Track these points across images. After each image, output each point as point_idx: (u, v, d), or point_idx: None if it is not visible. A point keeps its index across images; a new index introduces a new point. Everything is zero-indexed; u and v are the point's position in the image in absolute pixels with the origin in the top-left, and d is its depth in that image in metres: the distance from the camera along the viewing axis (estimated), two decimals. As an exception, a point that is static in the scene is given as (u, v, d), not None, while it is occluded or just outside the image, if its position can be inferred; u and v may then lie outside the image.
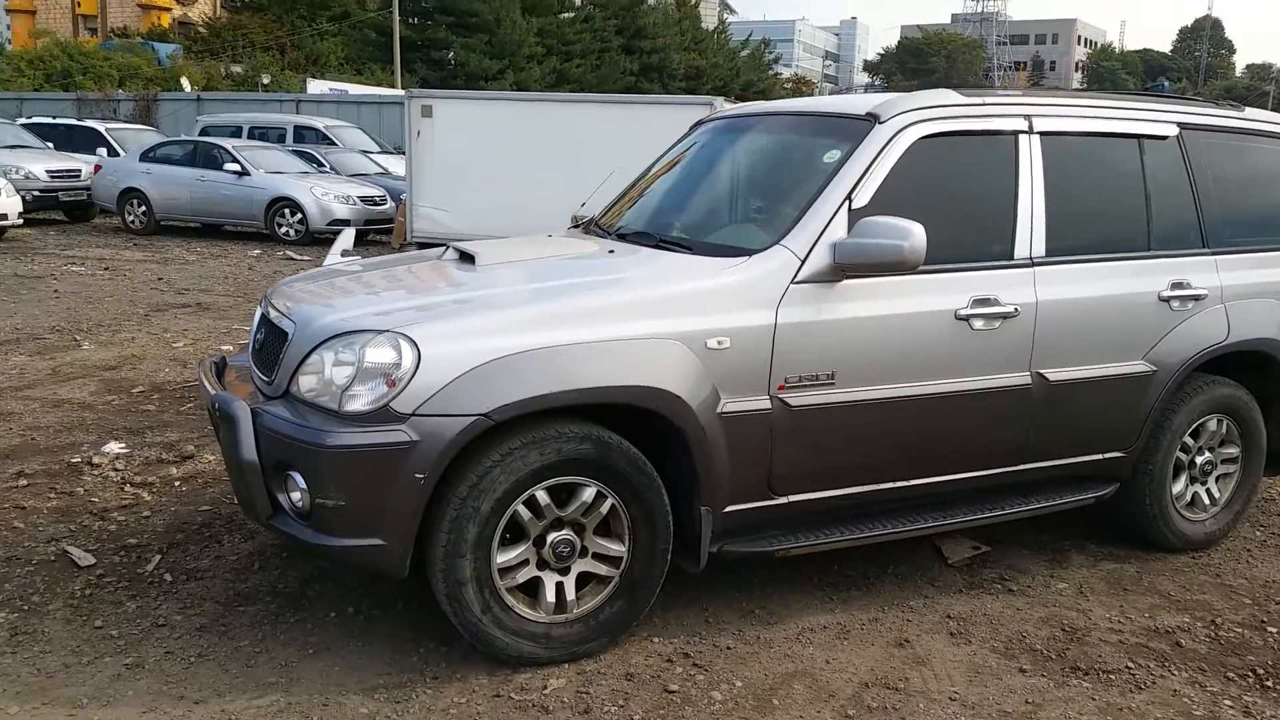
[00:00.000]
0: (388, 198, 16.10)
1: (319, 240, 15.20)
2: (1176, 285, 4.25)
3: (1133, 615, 3.91)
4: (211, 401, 3.53)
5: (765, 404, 3.47)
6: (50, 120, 20.52)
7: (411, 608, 3.64)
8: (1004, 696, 3.28)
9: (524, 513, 3.23)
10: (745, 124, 4.54)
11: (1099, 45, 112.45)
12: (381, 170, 18.60)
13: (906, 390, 3.71)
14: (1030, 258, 3.96)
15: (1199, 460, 4.51)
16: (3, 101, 27.38)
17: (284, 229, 15.50)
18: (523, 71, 44.71)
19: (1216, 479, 4.60)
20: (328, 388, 3.14)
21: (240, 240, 16.04)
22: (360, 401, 3.08)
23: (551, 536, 3.29)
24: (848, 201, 3.63)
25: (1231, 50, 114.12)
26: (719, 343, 3.39)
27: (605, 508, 3.34)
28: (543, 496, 3.24)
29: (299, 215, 15.39)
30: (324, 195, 15.41)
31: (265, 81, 34.12)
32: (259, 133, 20.83)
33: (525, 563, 3.29)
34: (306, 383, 3.21)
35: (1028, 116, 4.02)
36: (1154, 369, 4.19)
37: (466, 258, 3.93)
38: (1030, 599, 4.01)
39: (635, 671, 3.32)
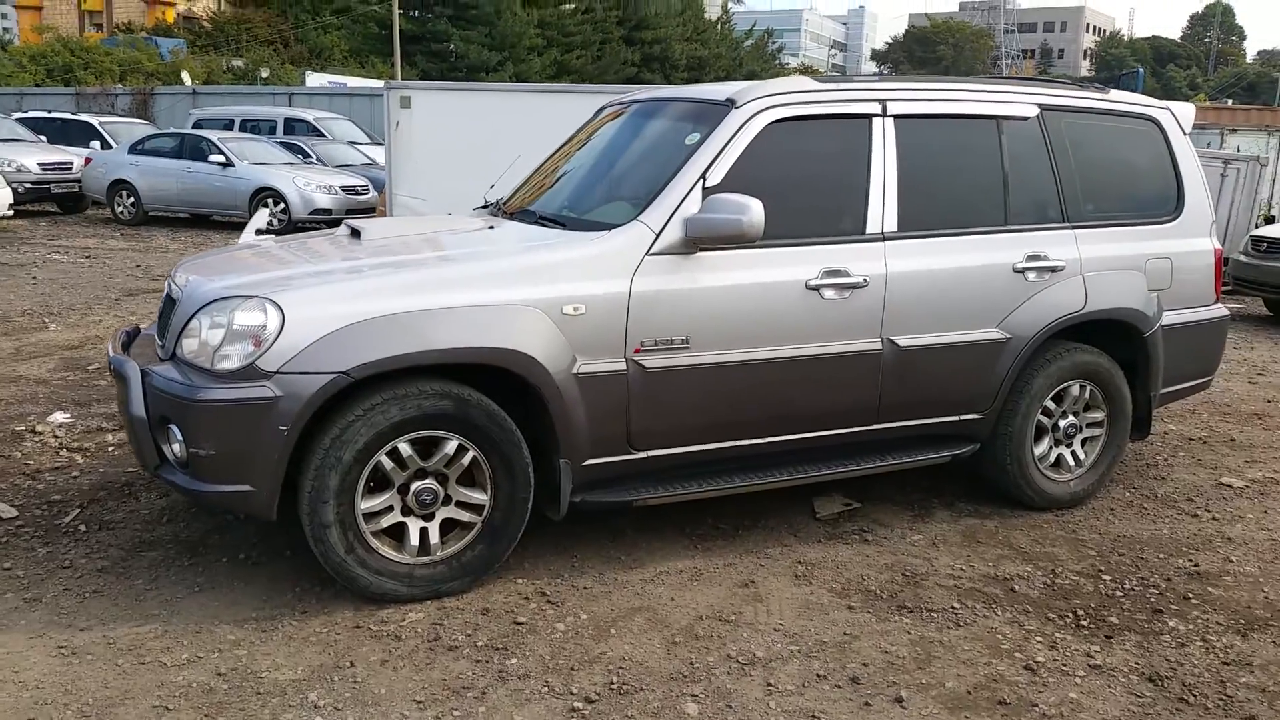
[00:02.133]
0: (370, 187, 16.41)
1: (302, 229, 15.54)
2: (1032, 257, 4.53)
3: (976, 564, 4.21)
4: (109, 363, 3.86)
5: (621, 366, 3.77)
6: (45, 114, 20.91)
7: (298, 556, 3.94)
8: (826, 628, 3.59)
9: (387, 463, 3.54)
10: (633, 108, 4.83)
11: (1107, 33, 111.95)
12: (368, 161, 18.91)
13: (759, 354, 4.01)
14: (882, 232, 4.25)
15: (1062, 423, 4.79)
16: (3, 96, 27.80)
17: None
18: (523, 63, 44.99)
19: (1082, 442, 4.89)
20: (204, 349, 3.46)
21: (226, 230, 16.39)
22: (231, 361, 3.39)
23: (415, 485, 3.60)
24: (702, 180, 3.93)
25: (1242, 36, 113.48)
26: (575, 309, 3.69)
27: (467, 459, 3.64)
28: (405, 448, 3.55)
29: (281, 205, 15.72)
30: (306, 185, 15.75)
31: (264, 75, 34.49)
32: (251, 125, 21.17)
33: (390, 509, 3.60)
34: (188, 345, 3.53)
35: (882, 101, 4.31)
36: (1008, 336, 4.48)
37: (355, 233, 4.25)
38: (882, 548, 4.31)
39: (491, 607, 3.63)
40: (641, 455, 3.93)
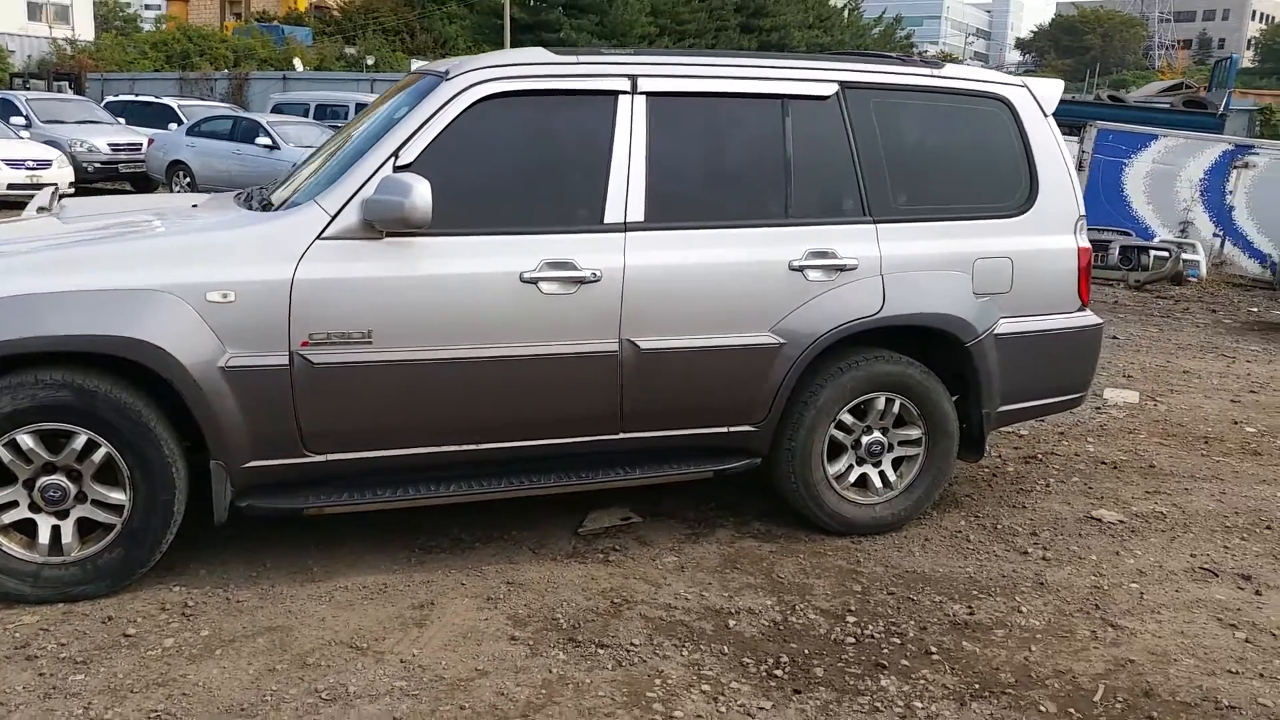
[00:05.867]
0: (410, 172, 16.45)
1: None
2: (816, 254, 4.01)
3: (709, 594, 3.74)
4: None
5: (283, 360, 3.47)
6: (131, 97, 21.81)
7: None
8: (460, 662, 3.20)
9: (5, 455, 3.32)
10: (401, 82, 4.48)
11: (1276, 20, 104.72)
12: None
13: (460, 353, 3.64)
14: (624, 222, 3.81)
15: (865, 440, 4.25)
16: (119, 81, 29.22)
17: (308, 201, 16.04)
18: (632, 52, 44.79)
19: (895, 462, 4.33)
20: None
21: (274, 212, 16.72)
22: None
23: (41, 481, 3.38)
24: (393, 159, 3.59)
25: None
26: (223, 296, 3.40)
27: (99, 456, 3.39)
28: (27, 441, 3.32)
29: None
30: (346, 169, 15.88)
31: (370, 62, 35.30)
32: (328, 110, 21.57)
33: (15, 504, 3.39)
34: None
35: (632, 76, 3.86)
36: (781, 341, 3.98)
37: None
38: (617, 570, 3.88)
39: (117, 616, 3.38)
40: (320, 459, 3.61)
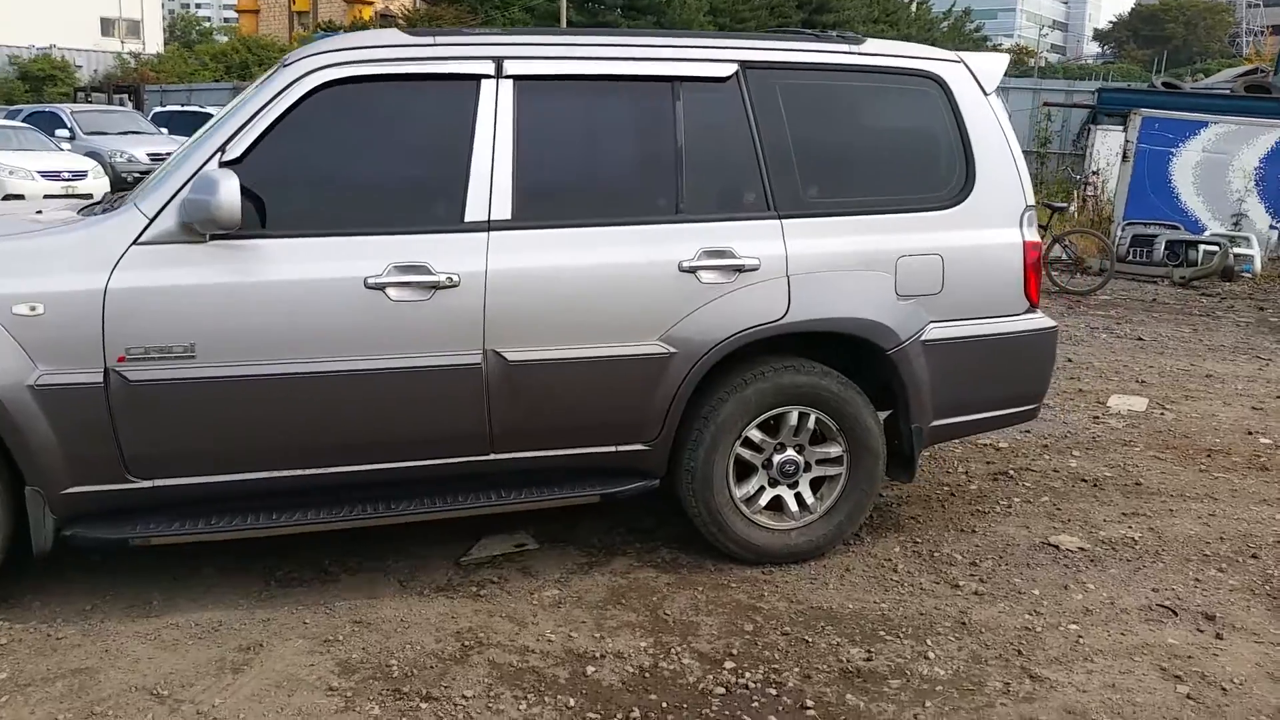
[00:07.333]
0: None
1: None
2: (711, 254, 3.61)
3: (578, 634, 3.36)
4: None
5: (98, 377, 3.18)
6: (177, 108, 22.09)
7: None
8: (263, 715, 2.86)
9: None
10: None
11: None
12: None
13: (296, 368, 3.31)
14: (487, 221, 3.45)
15: (778, 459, 3.83)
16: (176, 92, 29.75)
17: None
18: (690, 51, 44.42)
19: (813, 483, 3.90)
20: None
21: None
22: None
23: None
24: (219, 154, 3.28)
25: None
26: (31, 309, 3.13)
27: (-92, 482, 3.15)
28: None
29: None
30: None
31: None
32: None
33: None
34: None
35: (497, 59, 3.50)
36: (672, 351, 3.58)
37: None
38: (483, 606, 3.52)
39: (-84, 656, 3.13)
40: (147, 484, 3.31)
